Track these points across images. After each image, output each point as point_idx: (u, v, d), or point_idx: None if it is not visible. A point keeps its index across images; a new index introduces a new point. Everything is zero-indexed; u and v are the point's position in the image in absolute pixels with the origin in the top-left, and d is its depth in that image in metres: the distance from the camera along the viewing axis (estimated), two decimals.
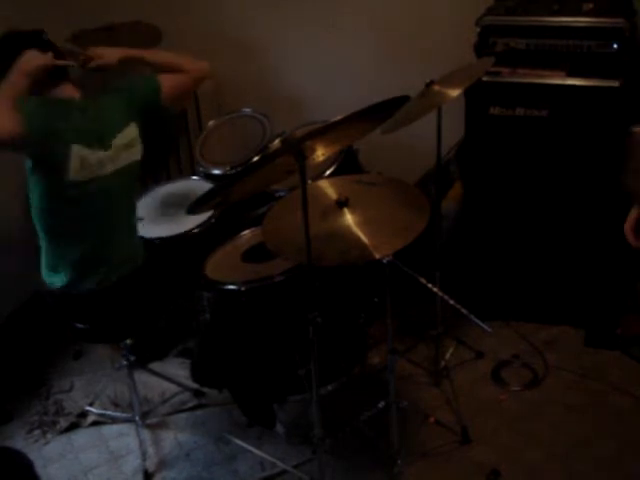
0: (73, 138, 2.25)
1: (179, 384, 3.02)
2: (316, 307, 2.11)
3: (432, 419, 2.74)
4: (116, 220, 2.47)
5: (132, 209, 2.56)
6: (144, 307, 2.58)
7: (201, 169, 3.10)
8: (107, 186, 2.37)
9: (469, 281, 3.09)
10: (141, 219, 2.84)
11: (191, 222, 2.79)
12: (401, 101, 2.06)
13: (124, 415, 2.92)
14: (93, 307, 2.50)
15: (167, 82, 2.46)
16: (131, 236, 2.56)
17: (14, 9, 3.30)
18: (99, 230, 2.42)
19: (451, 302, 2.65)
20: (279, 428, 2.74)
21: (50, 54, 2.28)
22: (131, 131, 2.41)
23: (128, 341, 2.70)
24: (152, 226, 2.84)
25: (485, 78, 2.73)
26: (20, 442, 2.89)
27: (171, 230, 2.79)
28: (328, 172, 2.73)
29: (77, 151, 2.25)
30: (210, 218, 2.81)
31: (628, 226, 2.08)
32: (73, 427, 2.94)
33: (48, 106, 2.28)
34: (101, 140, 2.32)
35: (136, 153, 2.44)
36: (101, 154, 2.32)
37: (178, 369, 3.08)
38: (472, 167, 3.02)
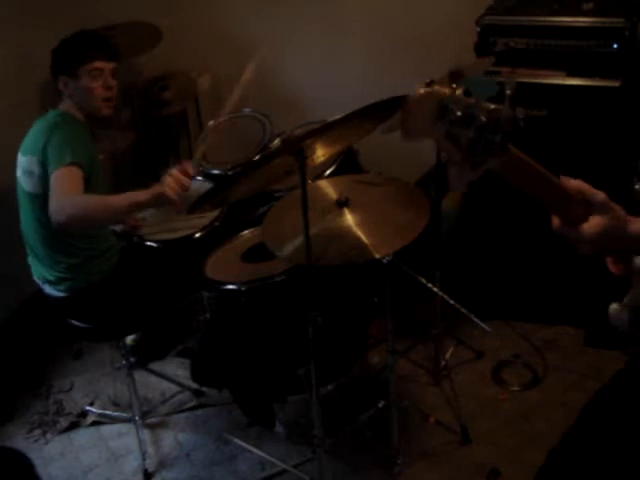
0: None
1: (179, 384, 3.02)
2: (316, 307, 2.11)
3: (432, 419, 2.74)
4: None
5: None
6: (138, 307, 2.58)
7: (201, 169, 3.09)
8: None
9: (469, 281, 3.08)
10: (143, 219, 2.84)
11: (194, 224, 2.74)
12: (401, 101, 2.06)
13: (124, 415, 2.92)
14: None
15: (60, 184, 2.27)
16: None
17: (15, 9, 3.31)
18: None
19: (451, 302, 2.65)
20: (279, 428, 2.74)
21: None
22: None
23: (128, 341, 2.69)
24: (154, 227, 2.81)
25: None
26: (20, 442, 2.89)
27: (174, 233, 2.75)
28: (328, 172, 2.73)
29: None
30: (214, 221, 2.76)
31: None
32: (73, 427, 2.95)
33: None
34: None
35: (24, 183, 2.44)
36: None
37: (178, 369, 3.09)
38: None
